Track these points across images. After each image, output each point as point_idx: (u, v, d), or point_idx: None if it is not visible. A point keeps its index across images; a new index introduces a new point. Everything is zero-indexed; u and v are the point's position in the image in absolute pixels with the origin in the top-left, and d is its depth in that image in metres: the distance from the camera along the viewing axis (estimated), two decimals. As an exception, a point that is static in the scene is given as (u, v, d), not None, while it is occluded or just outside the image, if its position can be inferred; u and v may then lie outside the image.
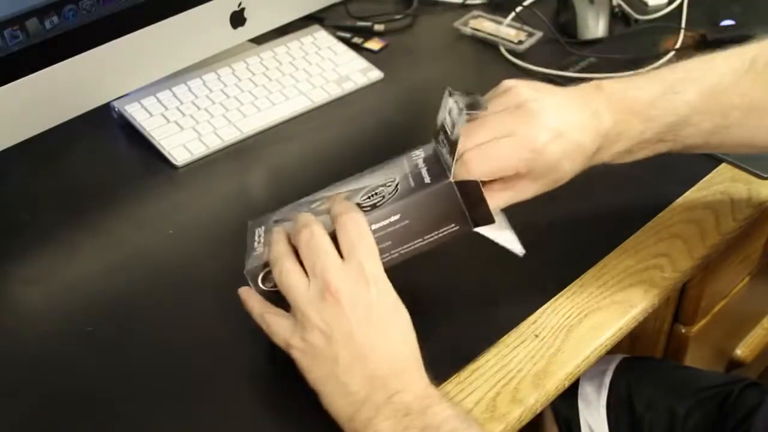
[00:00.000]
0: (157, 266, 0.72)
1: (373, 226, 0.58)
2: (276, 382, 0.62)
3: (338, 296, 0.54)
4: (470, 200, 0.59)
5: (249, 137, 0.86)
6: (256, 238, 0.63)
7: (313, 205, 0.63)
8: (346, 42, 1.00)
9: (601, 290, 0.68)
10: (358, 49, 0.99)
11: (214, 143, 0.84)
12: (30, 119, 0.77)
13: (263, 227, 0.64)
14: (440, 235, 0.59)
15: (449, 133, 0.59)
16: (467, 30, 1.01)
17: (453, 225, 0.59)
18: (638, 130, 0.62)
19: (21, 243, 0.74)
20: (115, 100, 0.86)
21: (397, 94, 0.93)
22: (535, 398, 0.60)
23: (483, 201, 0.58)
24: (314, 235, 0.56)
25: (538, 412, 0.61)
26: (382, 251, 0.58)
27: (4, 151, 0.76)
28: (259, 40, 0.96)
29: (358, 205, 0.59)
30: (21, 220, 0.77)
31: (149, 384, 0.61)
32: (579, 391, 0.86)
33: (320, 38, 0.99)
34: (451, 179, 0.58)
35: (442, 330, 0.64)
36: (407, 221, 0.59)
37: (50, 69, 0.75)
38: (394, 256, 0.59)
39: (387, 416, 0.52)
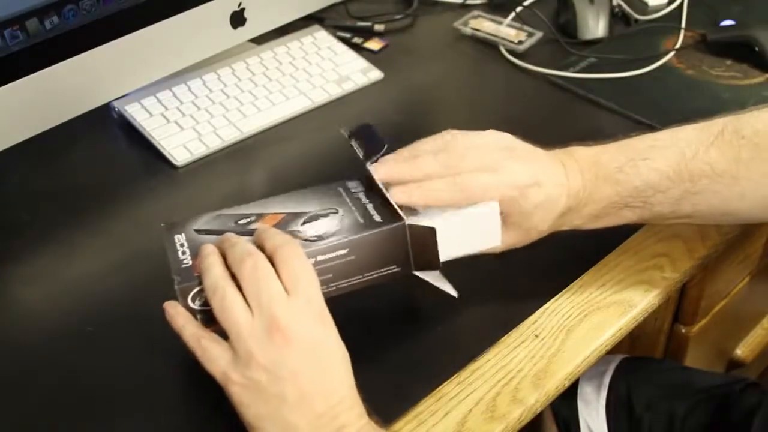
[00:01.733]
0: (158, 266, 0.71)
1: (318, 258, 0.57)
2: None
3: (287, 333, 0.51)
4: (420, 245, 0.59)
5: (249, 137, 0.86)
6: (179, 247, 0.58)
7: (241, 221, 0.60)
8: (346, 42, 1.00)
9: (601, 290, 0.68)
10: (358, 49, 0.99)
11: (214, 143, 0.84)
12: (30, 119, 0.77)
13: (183, 235, 0.59)
14: (380, 274, 0.59)
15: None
16: (467, 30, 1.01)
17: (395, 267, 0.59)
18: (606, 194, 0.63)
19: (21, 243, 0.74)
20: (115, 100, 0.86)
21: (397, 94, 0.93)
22: (535, 398, 0.61)
23: (435, 247, 0.59)
24: (259, 266, 0.53)
25: (538, 412, 0.61)
26: (321, 283, 0.55)
27: (4, 151, 0.76)
28: (259, 40, 0.96)
29: (299, 232, 0.58)
30: (21, 220, 0.77)
31: (149, 384, 0.61)
32: (578, 392, 0.86)
33: (320, 38, 0.99)
34: (406, 221, 0.58)
35: (443, 330, 0.64)
36: (353, 257, 0.58)
37: (50, 69, 0.75)
38: (331, 289, 0.58)
39: None
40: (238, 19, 0.90)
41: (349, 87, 0.93)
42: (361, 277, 0.59)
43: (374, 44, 1.00)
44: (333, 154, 0.84)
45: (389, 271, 0.59)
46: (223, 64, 0.93)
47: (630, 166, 0.63)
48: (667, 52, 0.96)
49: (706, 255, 0.72)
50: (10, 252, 0.73)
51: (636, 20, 1.03)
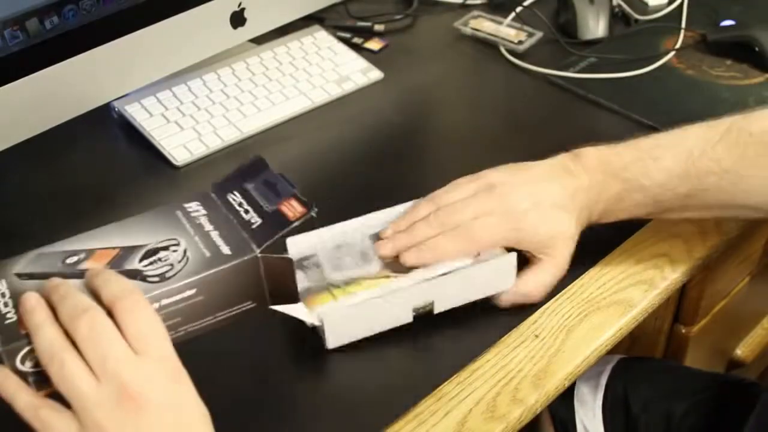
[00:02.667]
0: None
1: (163, 302, 0.51)
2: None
3: (140, 401, 0.45)
4: (276, 277, 0.55)
5: (249, 137, 0.86)
6: None
7: (69, 260, 0.54)
8: (346, 42, 1.00)
9: (601, 290, 0.68)
10: (358, 49, 0.99)
11: (214, 143, 0.84)
12: (30, 119, 0.77)
13: (2, 280, 0.52)
14: (234, 312, 0.55)
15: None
16: (467, 30, 1.01)
17: (250, 303, 0.55)
18: (615, 191, 0.64)
19: (21, 243, 0.74)
20: (115, 100, 0.86)
21: (397, 94, 0.93)
22: (535, 398, 0.60)
23: (293, 278, 0.55)
24: (97, 324, 0.46)
25: (538, 412, 0.61)
26: (168, 328, 0.50)
27: (4, 151, 0.76)
28: (259, 40, 0.96)
29: (138, 271, 0.52)
30: (21, 220, 0.77)
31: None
32: (575, 392, 0.86)
33: (320, 38, 0.99)
34: (257, 253, 0.54)
35: (443, 330, 0.64)
36: (202, 297, 0.53)
37: (50, 69, 0.75)
38: (180, 334, 0.53)
39: None
40: (238, 19, 0.90)
41: (349, 87, 0.93)
42: (212, 318, 0.54)
43: (374, 44, 1.00)
44: (333, 154, 0.84)
45: (243, 308, 0.55)
46: (223, 64, 0.93)
47: (638, 165, 0.64)
48: (667, 52, 0.96)
49: (706, 255, 0.72)
50: (10, 252, 0.73)
51: (636, 20, 1.03)
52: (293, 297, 0.56)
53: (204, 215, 0.57)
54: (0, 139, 0.75)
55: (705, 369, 0.90)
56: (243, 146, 0.85)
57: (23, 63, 0.73)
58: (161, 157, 0.83)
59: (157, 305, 0.51)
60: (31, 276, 0.52)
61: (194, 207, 0.58)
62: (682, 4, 1.04)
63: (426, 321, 0.64)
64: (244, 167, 0.61)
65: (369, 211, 0.68)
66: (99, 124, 0.87)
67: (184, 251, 0.53)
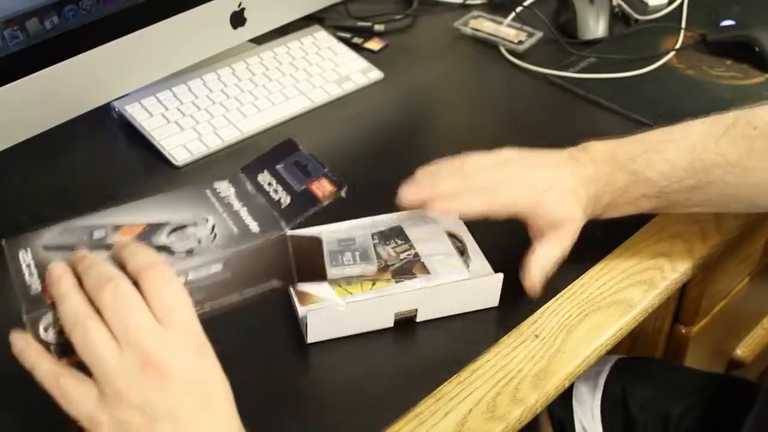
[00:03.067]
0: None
1: (189, 276, 0.51)
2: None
3: (163, 371, 0.45)
4: (305, 257, 0.55)
5: (249, 137, 0.86)
6: (24, 266, 0.51)
7: (96, 234, 0.53)
8: (346, 42, 1.00)
9: (601, 290, 0.68)
10: (358, 49, 0.99)
11: (215, 143, 0.84)
12: (30, 119, 0.77)
13: (29, 251, 0.52)
14: (259, 290, 0.54)
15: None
16: (467, 30, 1.01)
17: (276, 281, 0.55)
18: (621, 184, 0.65)
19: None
20: (115, 100, 0.86)
21: (397, 94, 0.93)
22: (535, 398, 0.60)
23: (321, 259, 0.56)
24: (121, 293, 0.46)
25: (538, 412, 0.61)
26: (193, 304, 0.49)
27: (4, 151, 0.76)
28: (259, 40, 0.96)
29: (164, 246, 0.52)
30: (21, 220, 0.77)
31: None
32: (573, 392, 0.86)
33: (320, 38, 0.99)
34: (286, 230, 0.54)
35: (443, 330, 0.64)
36: (228, 274, 0.52)
37: (50, 69, 0.75)
38: (205, 310, 0.52)
39: None
40: (238, 19, 0.90)
41: (349, 87, 0.92)
42: (237, 295, 0.53)
43: (374, 44, 1.00)
44: (333, 154, 0.84)
45: (269, 287, 0.55)
46: (223, 64, 0.93)
47: (644, 157, 0.64)
48: (667, 52, 0.96)
49: (706, 255, 0.72)
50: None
51: (636, 20, 1.03)
52: (321, 276, 0.56)
53: (233, 194, 0.56)
54: (0, 139, 0.75)
55: (705, 369, 0.90)
56: (243, 146, 0.85)
57: (23, 63, 0.73)
58: (161, 157, 0.83)
59: (183, 279, 0.50)
60: (58, 248, 0.52)
61: (224, 186, 0.57)
62: (682, 4, 1.04)
63: (426, 321, 0.64)
64: (274, 149, 0.61)
65: (369, 212, 0.68)
66: (99, 124, 0.87)
67: (212, 227, 0.53)
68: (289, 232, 0.54)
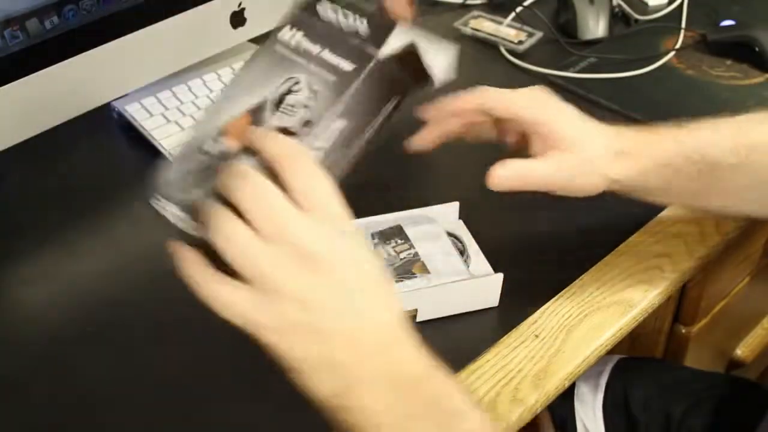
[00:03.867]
0: (158, 266, 0.72)
1: (318, 144, 0.47)
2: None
3: (317, 259, 0.43)
4: (408, 66, 0.50)
5: (249, 137, 0.86)
6: (169, 214, 0.49)
7: (206, 148, 0.49)
8: (346, 42, 0.99)
9: (601, 290, 0.68)
10: (358, 49, 0.99)
11: (214, 143, 0.84)
12: (30, 119, 0.77)
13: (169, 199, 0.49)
14: (383, 116, 0.50)
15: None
16: (467, 30, 1.01)
17: (395, 97, 0.50)
18: (666, 147, 0.62)
19: (21, 243, 0.74)
20: (115, 100, 0.86)
21: (397, 94, 0.93)
22: (535, 398, 0.60)
23: (423, 61, 0.50)
24: (258, 186, 0.44)
25: (538, 412, 0.61)
26: (332, 169, 0.46)
27: (4, 151, 0.76)
28: (259, 40, 0.96)
29: (285, 129, 0.48)
30: (21, 220, 0.77)
31: (150, 384, 0.61)
32: (575, 392, 0.86)
33: (320, 38, 0.99)
34: (378, 56, 0.49)
35: (443, 330, 0.64)
36: (352, 123, 0.48)
37: (50, 69, 0.75)
38: (344, 167, 0.49)
39: (387, 389, 0.45)
40: (238, 19, 0.90)
41: (349, 87, 0.92)
42: (364, 134, 0.49)
43: (374, 44, 1.00)
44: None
45: (391, 107, 0.50)
46: (223, 64, 0.93)
47: (686, 133, 0.63)
48: (667, 52, 0.96)
49: (706, 255, 0.72)
50: (10, 252, 0.73)
51: (636, 20, 1.03)
52: (430, 79, 0.51)
53: (303, 38, 0.50)
54: (0, 139, 0.75)
55: (705, 369, 0.90)
56: (243, 146, 0.85)
57: (23, 63, 0.73)
58: (161, 157, 0.83)
59: (321, 154, 0.47)
60: (183, 180, 0.48)
61: (288, 33, 0.51)
62: (682, 4, 1.04)
63: (426, 321, 0.64)
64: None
65: (368, 212, 0.68)
66: (99, 124, 0.87)
67: (308, 86, 0.48)
68: (382, 57, 0.49)
